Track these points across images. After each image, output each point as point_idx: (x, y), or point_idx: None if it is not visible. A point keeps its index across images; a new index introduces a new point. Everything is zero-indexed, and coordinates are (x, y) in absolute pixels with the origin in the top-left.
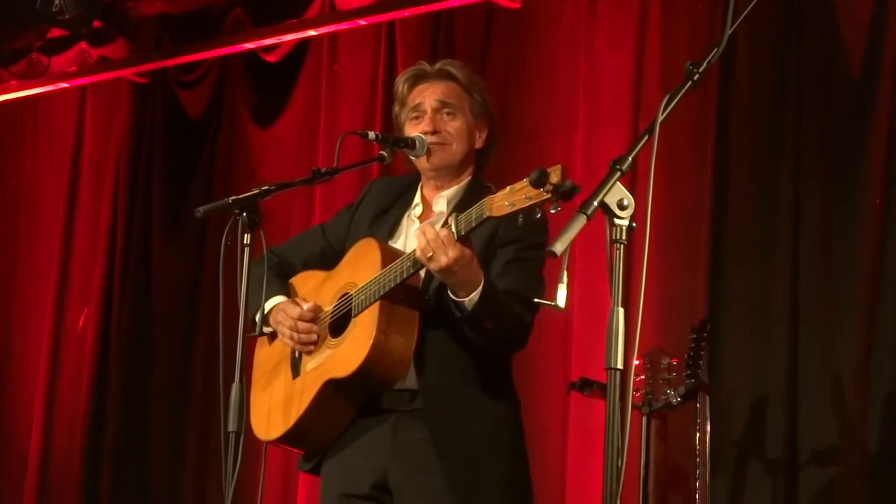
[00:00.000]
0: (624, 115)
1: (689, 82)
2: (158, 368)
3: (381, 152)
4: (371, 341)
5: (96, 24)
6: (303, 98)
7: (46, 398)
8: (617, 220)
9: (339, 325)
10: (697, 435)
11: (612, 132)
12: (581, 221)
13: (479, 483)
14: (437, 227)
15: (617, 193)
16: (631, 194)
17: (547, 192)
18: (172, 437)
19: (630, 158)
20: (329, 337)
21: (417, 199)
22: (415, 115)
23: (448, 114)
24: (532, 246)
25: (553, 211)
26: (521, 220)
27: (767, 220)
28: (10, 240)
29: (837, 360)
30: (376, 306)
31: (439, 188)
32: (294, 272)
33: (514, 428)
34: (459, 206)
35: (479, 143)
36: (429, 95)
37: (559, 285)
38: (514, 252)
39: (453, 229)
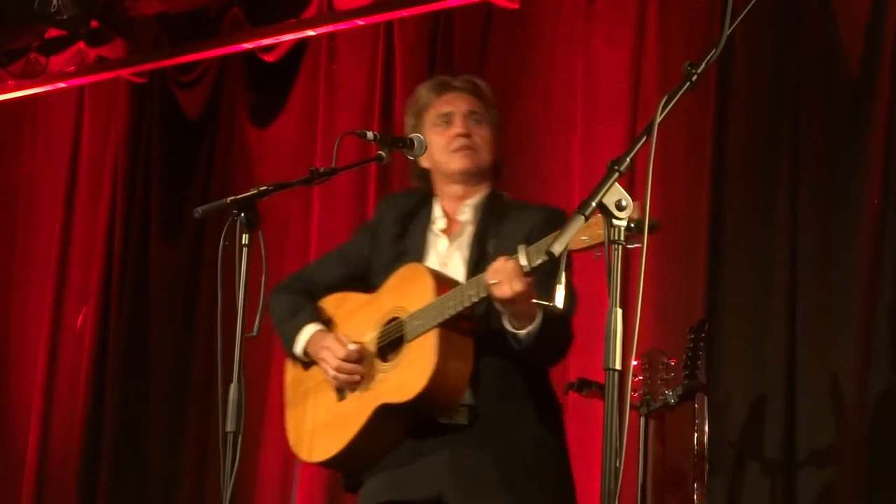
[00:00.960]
0: (622, 115)
1: (688, 83)
2: (156, 368)
3: (380, 152)
4: (432, 368)
5: (94, 23)
6: (301, 98)
7: (44, 397)
8: (615, 221)
9: (387, 349)
10: (695, 435)
11: (610, 132)
12: (579, 222)
13: (534, 493)
14: (465, 238)
15: (615, 194)
16: (629, 195)
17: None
18: (170, 436)
19: (628, 159)
20: (378, 361)
21: (437, 213)
22: (443, 121)
23: (477, 121)
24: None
25: (630, 246)
26: (597, 255)
27: (765, 221)
28: (9, 239)
29: (835, 361)
30: (435, 333)
31: (462, 198)
32: (319, 296)
33: (560, 436)
34: (485, 215)
35: (497, 155)
36: (459, 104)
37: (557, 286)
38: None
39: (524, 262)
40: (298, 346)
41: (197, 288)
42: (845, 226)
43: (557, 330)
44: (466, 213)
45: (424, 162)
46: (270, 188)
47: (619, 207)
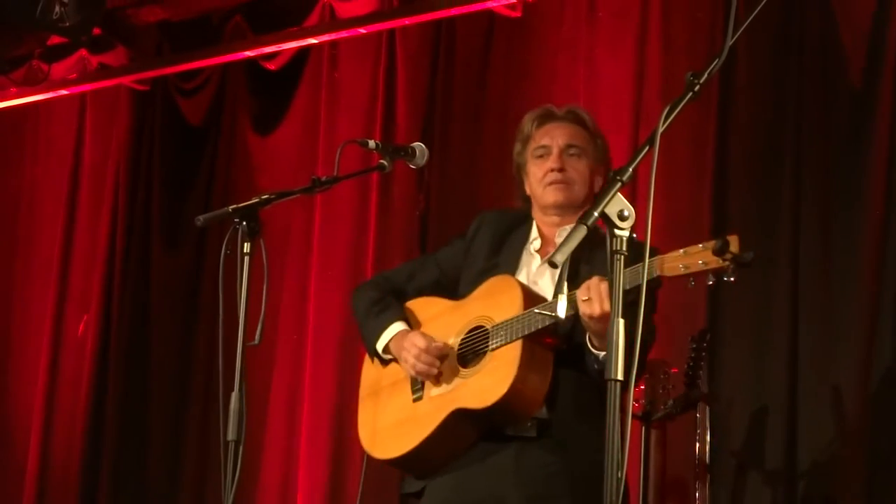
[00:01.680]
0: (624, 124)
1: (690, 93)
2: (158, 375)
3: (382, 161)
4: (512, 378)
5: (96, 31)
6: (303, 106)
7: (45, 404)
8: (617, 231)
9: (468, 356)
10: (697, 445)
11: (613, 141)
12: (581, 232)
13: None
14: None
15: (617, 204)
16: (631, 205)
17: (726, 260)
18: (171, 444)
19: (630, 169)
20: (458, 366)
21: (535, 233)
22: (540, 153)
23: (574, 155)
24: (649, 287)
25: (726, 279)
26: (691, 283)
27: (767, 230)
28: (10, 246)
29: (837, 371)
30: (518, 344)
31: (559, 224)
32: (406, 298)
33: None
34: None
35: (596, 187)
36: (558, 136)
37: (559, 296)
38: (633, 293)
39: None
40: (381, 343)
41: (198, 296)
42: (847, 235)
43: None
44: (562, 237)
45: (527, 188)
46: (272, 196)
47: (622, 217)
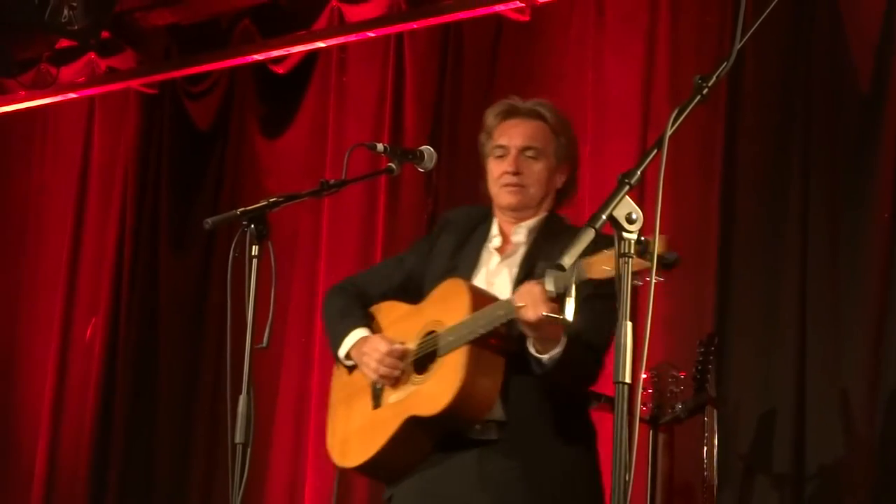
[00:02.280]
0: (632, 128)
1: (699, 96)
2: (165, 379)
3: (390, 164)
4: (459, 384)
5: (105, 34)
6: (311, 109)
7: (53, 408)
8: (625, 234)
9: (423, 362)
10: (705, 448)
11: (621, 145)
12: (589, 235)
13: None
14: (516, 258)
15: (625, 207)
16: (639, 208)
17: (649, 261)
18: (179, 447)
19: (639, 172)
20: (413, 373)
21: (495, 230)
22: (499, 154)
23: (531, 157)
24: (606, 282)
25: (655, 281)
26: (637, 283)
27: (775, 234)
28: (18, 250)
29: (845, 374)
30: (465, 349)
31: (516, 221)
32: (372, 303)
33: (593, 459)
34: (538, 238)
35: (558, 184)
36: (516, 136)
37: (567, 299)
38: (589, 288)
39: (550, 287)
40: (343, 349)
41: (206, 299)
42: (855, 239)
43: (582, 356)
44: (520, 235)
45: (488, 183)
46: (280, 199)
47: (630, 220)
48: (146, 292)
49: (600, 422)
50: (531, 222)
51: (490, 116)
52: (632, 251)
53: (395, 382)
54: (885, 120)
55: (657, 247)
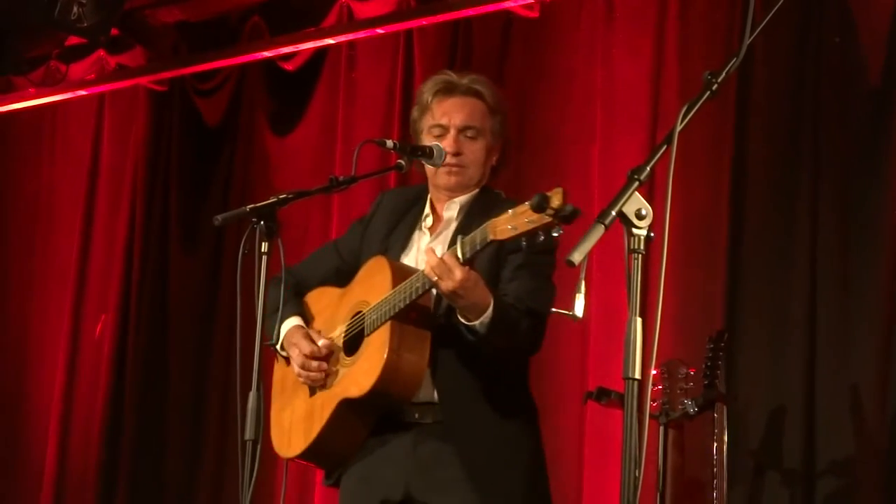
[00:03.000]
0: (642, 125)
1: (708, 92)
2: (175, 376)
3: (399, 161)
4: (383, 362)
5: (114, 31)
6: (320, 106)
7: (63, 406)
8: (635, 230)
9: (353, 343)
10: (714, 445)
11: (630, 141)
12: (599, 231)
13: (500, 494)
14: (447, 235)
15: (635, 203)
16: (649, 204)
17: (549, 216)
18: (189, 444)
19: (648, 168)
20: (343, 356)
21: (427, 209)
22: (437, 133)
23: (471, 137)
24: (541, 250)
25: (555, 234)
26: (523, 242)
27: (785, 230)
28: (28, 247)
29: (854, 370)
30: (388, 326)
31: (448, 199)
32: (308, 290)
33: (533, 437)
34: (470, 213)
35: (493, 162)
36: (454, 116)
37: (577, 295)
38: (523, 257)
39: (459, 253)
40: (278, 342)
41: (216, 296)
42: (865, 235)
43: (517, 320)
44: (452, 210)
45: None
46: (290, 196)
47: (639, 216)
48: (156, 289)
49: (611, 418)
50: (464, 198)
51: (426, 93)
52: (641, 248)
53: (326, 375)
54: (895, 114)
55: (555, 200)
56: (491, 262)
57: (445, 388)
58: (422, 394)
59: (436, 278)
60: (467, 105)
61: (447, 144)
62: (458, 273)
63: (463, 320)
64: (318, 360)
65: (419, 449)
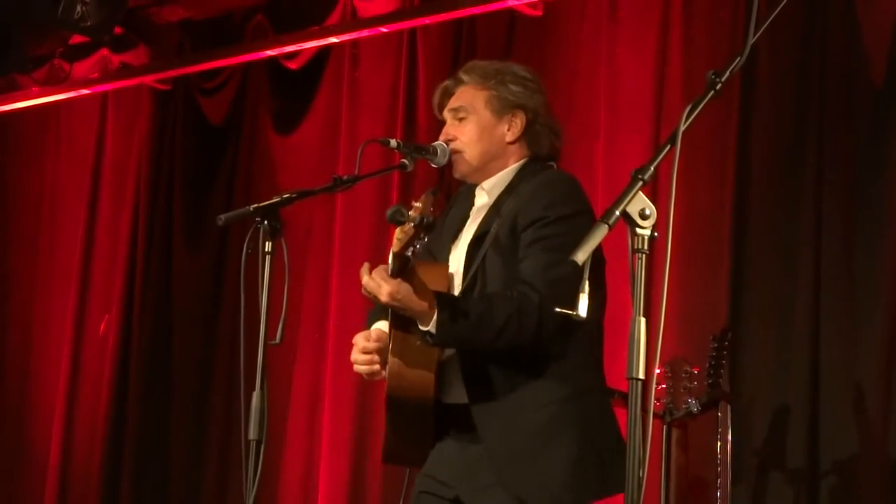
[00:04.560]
0: (646, 123)
1: (712, 91)
2: (179, 375)
3: (403, 160)
4: (387, 368)
5: (118, 30)
6: (324, 105)
7: (67, 404)
8: (639, 230)
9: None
10: (718, 444)
11: (634, 140)
12: (603, 231)
13: (533, 490)
14: (474, 225)
15: (639, 203)
16: (653, 203)
17: (410, 228)
18: (193, 444)
19: (652, 168)
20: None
21: (472, 201)
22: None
23: (460, 119)
24: (552, 221)
25: (421, 242)
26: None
27: (789, 229)
28: (32, 246)
29: (859, 369)
30: (392, 333)
31: (478, 184)
32: None
33: (576, 424)
34: (501, 195)
35: (509, 137)
36: (445, 109)
37: (580, 294)
38: (532, 233)
39: (389, 268)
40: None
41: (220, 295)
42: (869, 233)
43: (481, 313)
44: (482, 197)
45: None
46: (294, 195)
47: (643, 216)
48: (159, 288)
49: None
50: (492, 180)
51: (435, 108)
52: (645, 247)
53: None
54: None
55: (414, 211)
56: (508, 246)
57: (474, 388)
58: (454, 395)
59: (372, 296)
60: (454, 94)
61: (441, 136)
62: (386, 287)
63: (422, 328)
64: (367, 355)
65: (465, 453)
